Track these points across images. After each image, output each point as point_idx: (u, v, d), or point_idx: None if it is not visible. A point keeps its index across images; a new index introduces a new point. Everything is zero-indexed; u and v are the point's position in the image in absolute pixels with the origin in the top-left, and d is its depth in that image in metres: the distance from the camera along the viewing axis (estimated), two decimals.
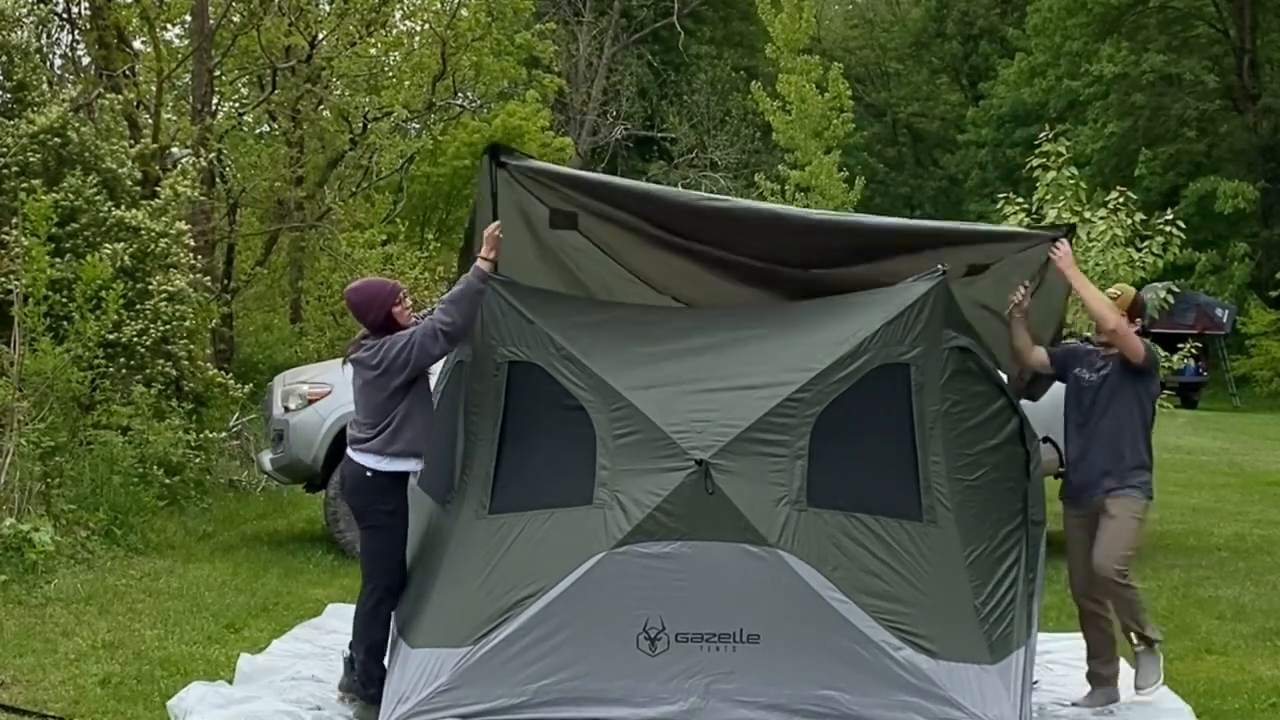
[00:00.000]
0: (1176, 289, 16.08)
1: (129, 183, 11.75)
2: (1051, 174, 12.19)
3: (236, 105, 18.48)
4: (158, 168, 13.37)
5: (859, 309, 5.23)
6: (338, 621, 7.13)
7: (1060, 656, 6.44)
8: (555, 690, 4.92)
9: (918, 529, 5.00)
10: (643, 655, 4.90)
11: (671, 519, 4.87)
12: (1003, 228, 5.67)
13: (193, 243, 12.26)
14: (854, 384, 5.04)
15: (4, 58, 11.68)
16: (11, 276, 9.54)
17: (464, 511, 5.19)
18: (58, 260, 10.04)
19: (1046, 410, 6.00)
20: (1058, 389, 5.84)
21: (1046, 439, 5.77)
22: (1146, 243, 11.96)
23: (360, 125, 17.52)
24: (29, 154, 10.78)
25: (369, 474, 5.32)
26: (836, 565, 4.87)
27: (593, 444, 5.03)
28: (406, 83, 18.57)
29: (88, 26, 15.50)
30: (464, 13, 19.31)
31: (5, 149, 10.72)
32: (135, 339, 10.66)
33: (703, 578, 4.87)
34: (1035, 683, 5.29)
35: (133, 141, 12.53)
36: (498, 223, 5.34)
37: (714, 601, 4.89)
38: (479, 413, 5.28)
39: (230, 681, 5.84)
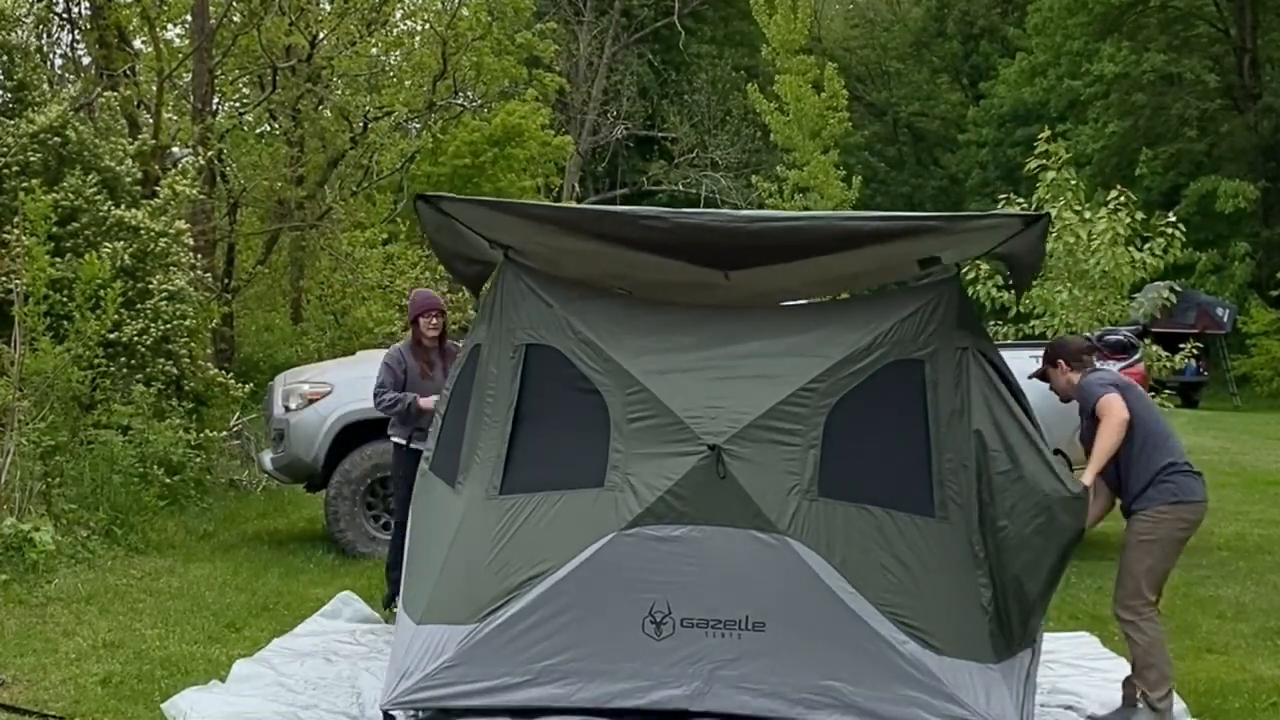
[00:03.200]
0: (1178, 288, 16.12)
1: (129, 181, 11.75)
2: (1051, 174, 12.21)
3: (237, 105, 18.49)
4: (158, 167, 13.38)
5: (875, 306, 5.24)
6: (346, 614, 7.15)
7: (1060, 656, 6.44)
8: (559, 670, 4.93)
9: (929, 525, 4.99)
10: (648, 639, 4.91)
11: (682, 503, 4.88)
12: (974, 214, 5.60)
13: (193, 242, 12.27)
14: (868, 378, 5.06)
15: (4, 57, 11.68)
16: (12, 276, 9.54)
17: (474, 492, 5.19)
18: (58, 260, 10.04)
19: (1050, 418, 5.96)
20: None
21: (1058, 451, 5.75)
22: (1148, 244, 11.97)
23: (360, 125, 17.52)
24: (29, 153, 10.79)
25: None
26: (845, 556, 4.87)
27: (606, 427, 5.05)
28: (407, 82, 18.59)
29: (88, 26, 15.52)
30: (464, 12, 19.32)
31: (5, 148, 10.73)
32: (136, 338, 10.67)
33: (711, 563, 4.88)
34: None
35: (132, 140, 12.53)
36: (433, 399, 6.37)
37: (721, 587, 4.89)
38: (494, 395, 5.30)
39: (224, 682, 5.84)
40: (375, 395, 7.15)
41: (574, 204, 28.50)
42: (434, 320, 7.18)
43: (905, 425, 5.10)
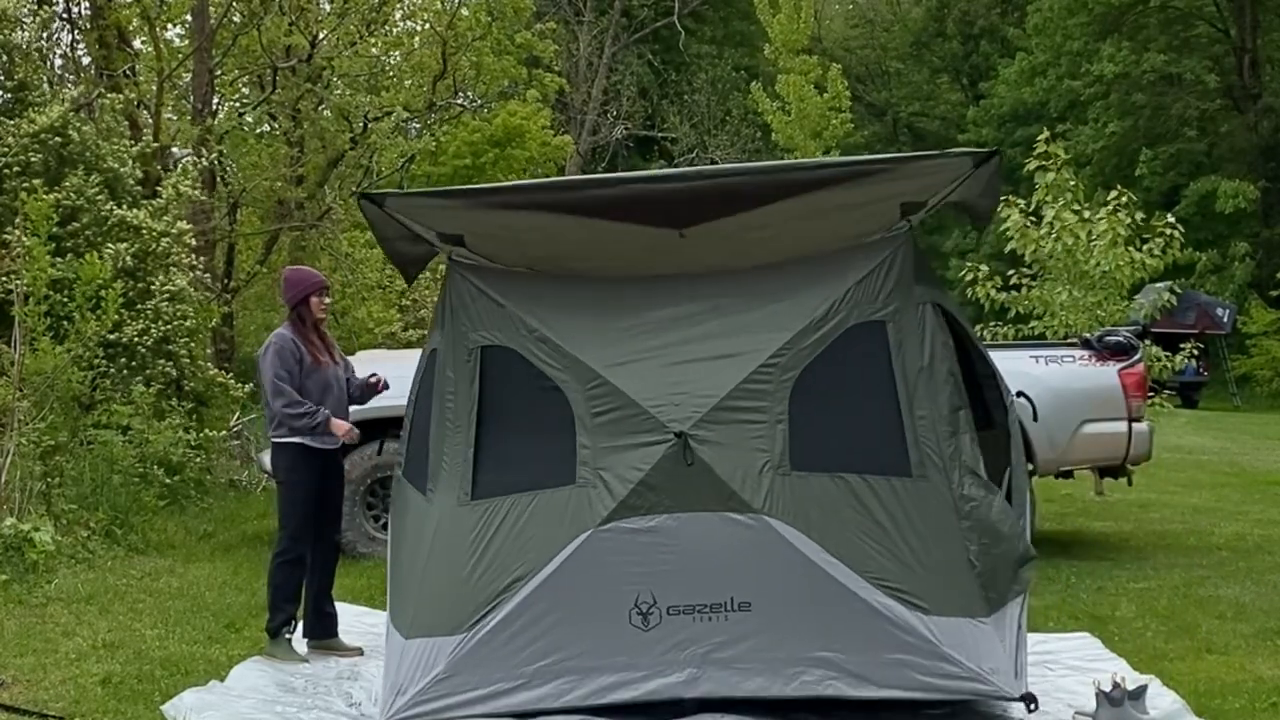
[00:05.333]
0: (1178, 290, 16.14)
1: (130, 182, 11.76)
2: (1050, 175, 12.22)
3: (237, 105, 18.50)
4: (159, 167, 13.39)
5: (829, 271, 5.21)
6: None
7: (1061, 658, 6.42)
8: (551, 670, 4.93)
9: (907, 485, 4.98)
10: (636, 630, 4.91)
11: (655, 493, 4.89)
12: (923, 154, 5.60)
13: (194, 242, 12.28)
14: (829, 345, 5.05)
15: (4, 58, 11.69)
16: (12, 276, 9.54)
17: (446, 499, 5.17)
18: (59, 260, 10.04)
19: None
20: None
21: (1021, 394, 5.73)
22: (1147, 244, 11.98)
23: (361, 125, 17.52)
24: (30, 153, 10.79)
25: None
26: (824, 527, 4.87)
27: (571, 424, 5.03)
28: (407, 82, 18.57)
29: (88, 26, 15.52)
30: (464, 12, 19.33)
31: (6, 148, 10.73)
32: (136, 339, 10.67)
33: (690, 549, 4.88)
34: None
35: (133, 141, 12.54)
36: (348, 428, 6.27)
37: (703, 572, 4.90)
38: (454, 400, 5.27)
39: (223, 682, 5.84)
40: (280, 397, 6.22)
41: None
42: (326, 300, 6.55)
43: (874, 387, 5.09)
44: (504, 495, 5.07)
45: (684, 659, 4.91)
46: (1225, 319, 31.20)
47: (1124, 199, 12.01)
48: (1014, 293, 12.44)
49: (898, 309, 5.13)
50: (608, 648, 4.93)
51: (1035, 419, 7.83)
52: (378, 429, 8.85)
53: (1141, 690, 5.34)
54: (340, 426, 6.28)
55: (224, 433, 12.10)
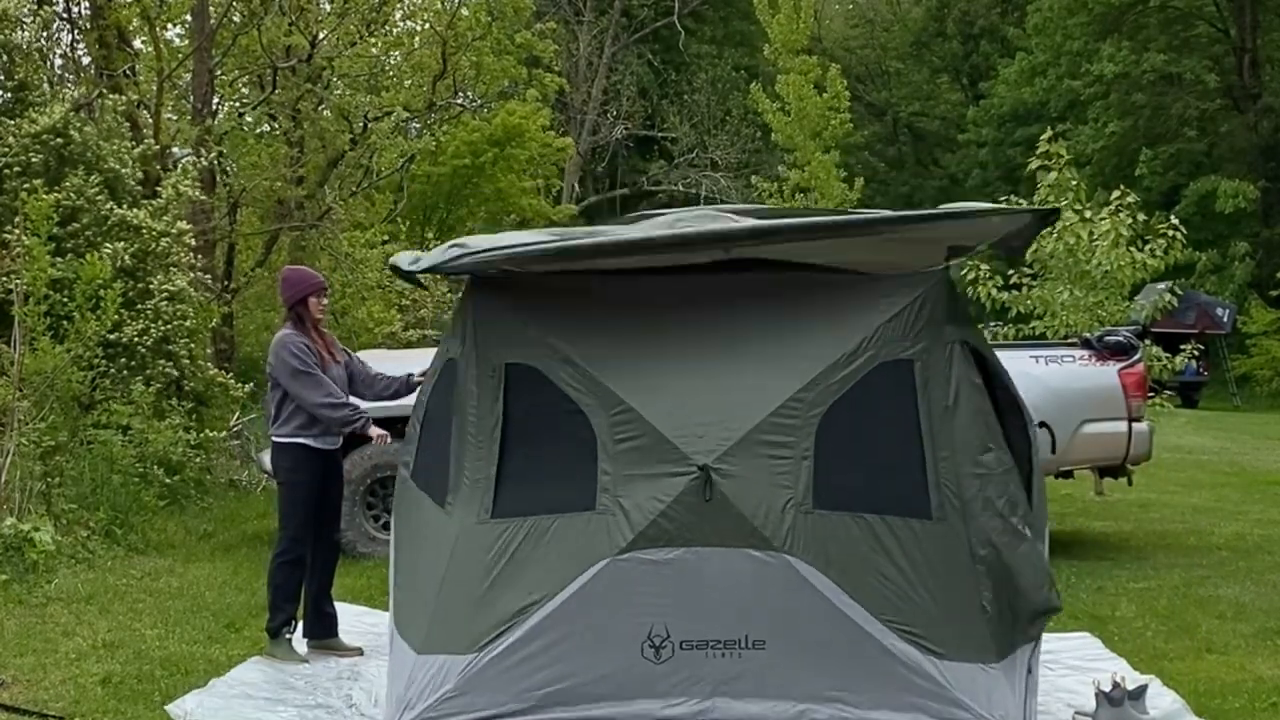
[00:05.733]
0: (1179, 290, 16.15)
1: (130, 182, 11.77)
2: (1053, 174, 12.22)
3: (237, 105, 18.49)
4: (159, 167, 13.39)
5: (861, 305, 5.16)
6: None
7: (1061, 658, 6.44)
8: (561, 695, 4.91)
9: (926, 527, 4.94)
10: (647, 663, 4.89)
11: (675, 525, 4.83)
12: (978, 206, 5.53)
13: (194, 242, 12.28)
14: (857, 382, 4.99)
15: (4, 58, 11.70)
16: (12, 276, 9.54)
17: (466, 515, 5.12)
18: (59, 260, 10.04)
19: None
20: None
21: (1043, 424, 5.71)
22: (1148, 245, 11.98)
23: (361, 125, 17.51)
24: (30, 154, 10.79)
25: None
26: (844, 568, 4.83)
27: (593, 449, 4.98)
28: (407, 82, 18.57)
29: (88, 26, 15.52)
30: (464, 12, 19.33)
31: (7, 149, 10.73)
32: (136, 339, 10.67)
33: (708, 584, 4.84)
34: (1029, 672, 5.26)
35: (134, 142, 12.54)
36: (381, 433, 6.38)
37: (719, 608, 4.87)
38: (476, 415, 5.21)
39: (225, 683, 5.84)
40: (318, 389, 6.22)
41: (571, 207, 28.48)
42: (324, 301, 6.53)
43: (898, 427, 5.04)
44: (523, 516, 5.02)
45: (694, 693, 4.89)
46: (1225, 319, 31.22)
47: (1127, 199, 12.02)
48: (1014, 292, 12.45)
49: (926, 348, 5.06)
50: (618, 677, 4.90)
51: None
52: (387, 427, 8.85)
53: (1141, 690, 5.35)
54: (377, 432, 6.36)
55: (224, 433, 12.09)
